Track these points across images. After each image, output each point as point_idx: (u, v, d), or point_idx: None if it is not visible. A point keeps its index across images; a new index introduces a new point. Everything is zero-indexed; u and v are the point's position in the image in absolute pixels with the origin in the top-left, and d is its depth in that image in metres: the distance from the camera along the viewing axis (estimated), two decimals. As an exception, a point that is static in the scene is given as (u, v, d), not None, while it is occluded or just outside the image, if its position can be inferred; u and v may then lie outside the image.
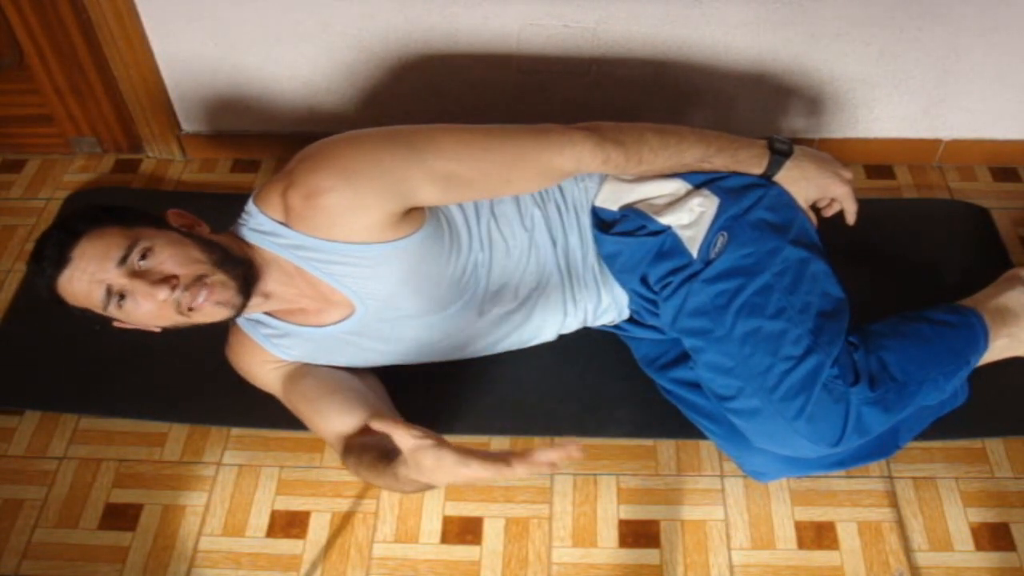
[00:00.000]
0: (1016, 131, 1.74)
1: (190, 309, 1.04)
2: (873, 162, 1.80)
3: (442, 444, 0.87)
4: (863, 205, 1.27)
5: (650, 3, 1.53)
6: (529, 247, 1.25)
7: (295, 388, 1.21)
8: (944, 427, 1.29)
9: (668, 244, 1.21)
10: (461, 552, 1.26)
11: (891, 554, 1.24)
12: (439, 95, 1.71)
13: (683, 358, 1.26)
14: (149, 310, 1.04)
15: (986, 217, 1.65)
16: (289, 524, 1.30)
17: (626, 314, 1.35)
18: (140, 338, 1.12)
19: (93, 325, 1.08)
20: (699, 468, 1.33)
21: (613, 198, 1.28)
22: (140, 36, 1.64)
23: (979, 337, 1.25)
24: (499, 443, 1.36)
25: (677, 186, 1.24)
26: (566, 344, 1.38)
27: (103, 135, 1.85)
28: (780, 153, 1.22)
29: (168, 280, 1.02)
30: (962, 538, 1.25)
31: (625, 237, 1.25)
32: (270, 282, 1.13)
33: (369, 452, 1.06)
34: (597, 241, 1.30)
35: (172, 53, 1.68)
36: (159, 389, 1.42)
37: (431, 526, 1.29)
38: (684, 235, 1.20)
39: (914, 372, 1.15)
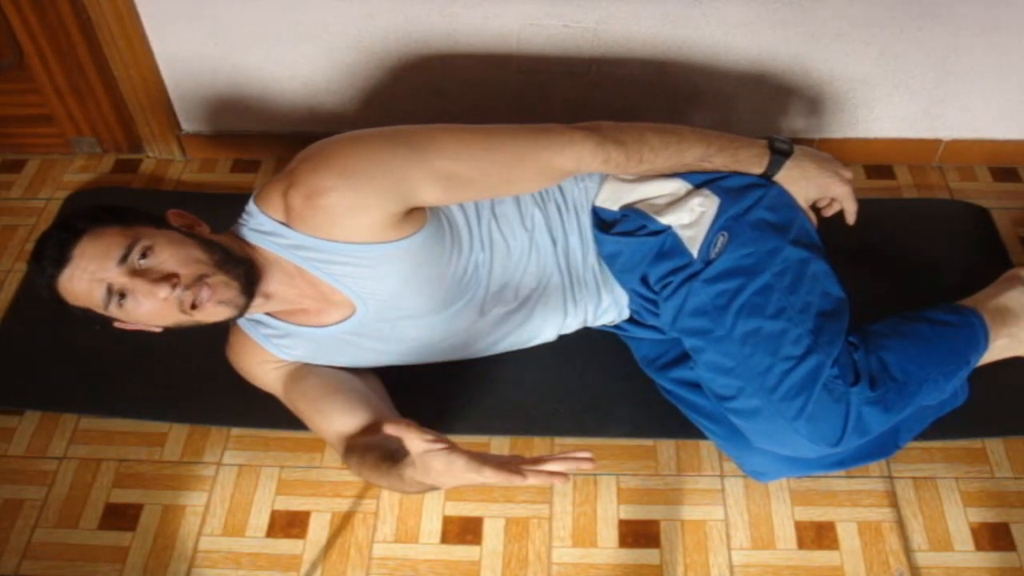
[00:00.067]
0: (1016, 131, 1.74)
1: (193, 307, 1.04)
2: (873, 162, 1.80)
3: (453, 449, 0.86)
4: (863, 205, 1.27)
5: (650, 3, 1.53)
6: (530, 247, 1.25)
7: (296, 388, 1.21)
8: (944, 427, 1.29)
9: (668, 244, 1.21)
10: (461, 552, 1.26)
11: (891, 554, 1.24)
12: (439, 95, 1.71)
13: (683, 358, 1.26)
14: (150, 309, 1.04)
15: (986, 217, 1.65)
16: (289, 524, 1.30)
17: (626, 314, 1.35)
18: (140, 338, 1.12)
19: (93, 325, 1.08)
20: (699, 468, 1.33)
21: (613, 198, 1.28)
22: (140, 36, 1.64)
23: (979, 337, 1.25)
24: (499, 443, 1.36)
25: (677, 186, 1.24)
26: (566, 344, 1.38)
27: (103, 135, 1.85)
28: (780, 153, 1.22)
29: (169, 278, 1.02)
30: (962, 538, 1.25)
31: (625, 237, 1.25)
32: (271, 282, 1.13)
33: (373, 452, 1.06)
34: (597, 241, 1.30)
35: (172, 53, 1.68)
36: (159, 389, 1.42)
37: (431, 526, 1.29)
38: (684, 235, 1.20)
39: (914, 372, 1.15)
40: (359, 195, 1.05)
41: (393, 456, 1.00)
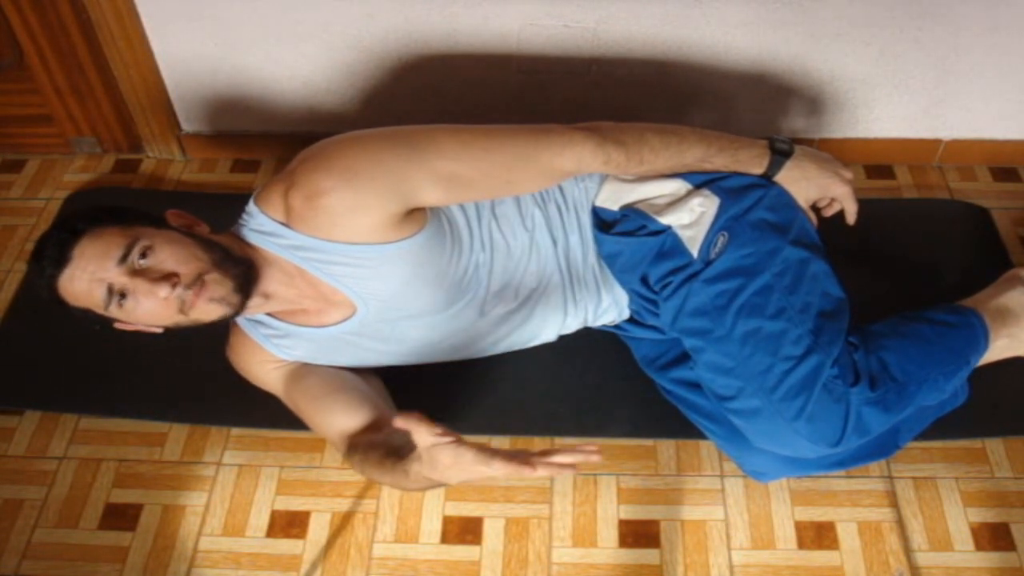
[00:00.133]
0: (1016, 131, 1.74)
1: (192, 302, 1.04)
2: (873, 162, 1.80)
3: (462, 442, 0.86)
4: (863, 205, 1.27)
5: (650, 3, 1.53)
6: (530, 247, 1.25)
7: (298, 386, 1.21)
8: (944, 427, 1.29)
9: (668, 244, 1.21)
10: (461, 552, 1.26)
11: (891, 554, 1.24)
12: (439, 95, 1.71)
13: (683, 358, 1.26)
14: (150, 309, 1.04)
15: (986, 217, 1.65)
16: (289, 524, 1.30)
17: (626, 314, 1.35)
18: (140, 338, 1.12)
19: (93, 325, 1.08)
20: (699, 468, 1.33)
21: (613, 198, 1.28)
22: (140, 36, 1.64)
23: (979, 337, 1.25)
24: (499, 443, 1.35)
25: (677, 186, 1.24)
26: (566, 344, 1.38)
27: (103, 135, 1.85)
28: (781, 153, 1.22)
29: (169, 278, 1.02)
30: (962, 538, 1.25)
31: (625, 237, 1.25)
32: (271, 283, 1.13)
33: (376, 449, 1.06)
34: (597, 241, 1.30)
35: (172, 53, 1.68)
36: (159, 389, 1.42)
37: (431, 526, 1.29)
38: (684, 235, 1.20)
39: (914, 372, 1.15)
40: (360, 195, 1.05)
41: (397, 453, 0.99)
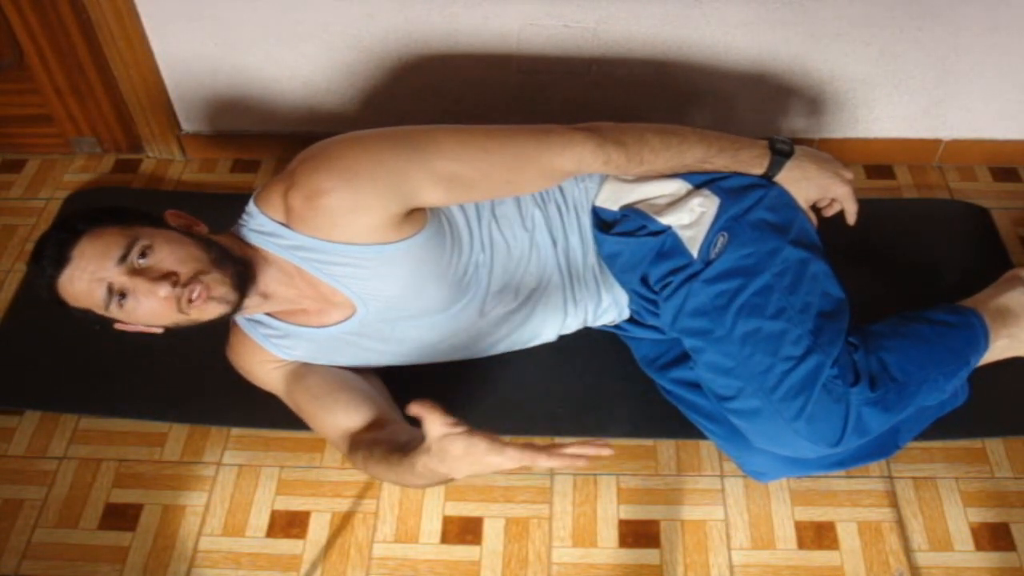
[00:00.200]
0: (1016, 131, 1.74)
1: (189, 301, 1.04)
2: (873, 162, 1.80)
3: (473, 432, 0.86)
4: (863, 205, 1.27)
5: (650, 3, 1.53)
6: (530, 247, 1.25)
7: (299, 386, 1.21)
8: (944, 427, 1.29)
9: (668, 244, 1.21)
10: (461, 552, 1.26)
11: (891, 554, 1.24)
12: (439, 95, 1.71)
13: (683, 358, 1.26)
14: (151, 308, 1.04)
15: (986, 217, 1.65)
16: (289, 524, 1.30)
17: (626, 314, 1.35)
18: (140, 338, 1.12)
19: (93, 325, 1.08)
20: (699, 468, 1.33)
21: (613, 198, 1.28)
22: (140, 36, 1.64)
23: (979, 337, 1.25)
24: (499, 443, 1.36)
25: (678, 186, 1.24)
26: (566, 344, 1.38)
27: (103, 135, 1.85)
28: (781, 153, 1.22)
29: (168, 277, 1.03)
30: (962, 538, 1.25)
31: (625, 237, 1.25)
32: (270, 283, 1.13)
33: (381, 445, 1.06)
34: (597, 241, 1.30)
35: (172, 53, 1.68)
36: (159, 389, 1.42)
37: (431, 526, 1.29)
38: (684, 235, 1.20)
39: (914, 372, 1.15)
40: (360, 196, 1.05)
41: (403, 449, 0.99)
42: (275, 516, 1.31)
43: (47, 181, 1.84)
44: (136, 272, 1.03)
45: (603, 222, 1.30)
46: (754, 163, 1.22)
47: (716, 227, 1.18)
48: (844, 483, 1.30)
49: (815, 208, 1.29)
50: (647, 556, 1.25)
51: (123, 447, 1.39)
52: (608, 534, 1.27)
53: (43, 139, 1.86)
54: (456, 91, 1.70)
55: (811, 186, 1.24)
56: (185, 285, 1.03)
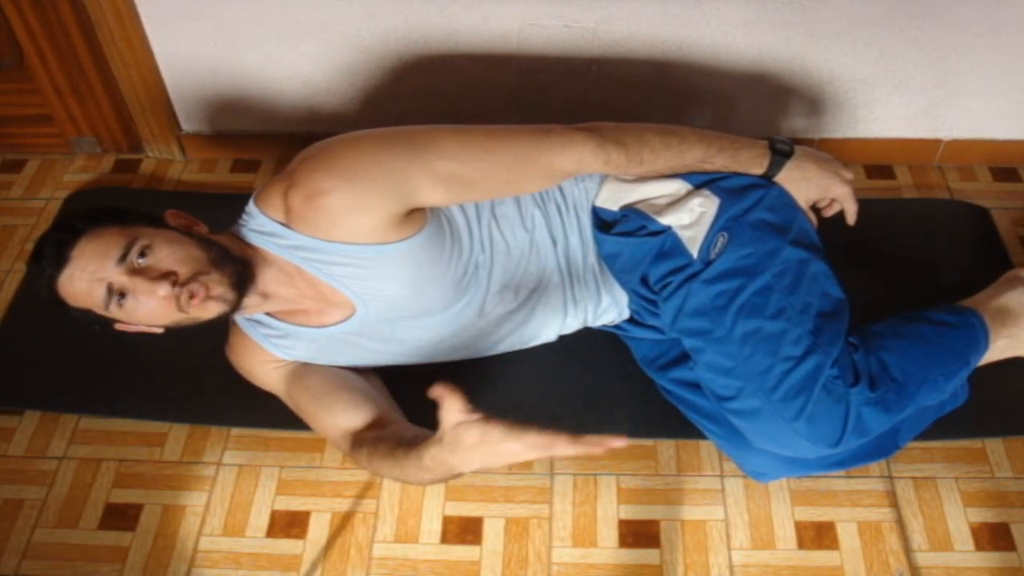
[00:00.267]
0: (1016, 131, 1.74)
1: (191, 297, 1.04)
2: (873, 162, 1.80)
3: (489, 419, 0.86)
4: (863, 205, 1.27)
5: (650, 3, 1.53)
6: (530, 247, 1.25)
7: (299, 385, 1.21)
8: (944, 427, 1.29)
9: (668, 244, 1.21)
10: (461, 552, 1.26)
11: (891, 554, 1.24)
12: (439, 95, 1.71)
13: (683, 358, 1.26)
14: (151, 308, 1.04)
15: (986, 217, 1.65)
16: (289, 524, 1.30)
17: (626, 314, 1.35)
18: (140, 338, 1.12)
19: (93, 325, 1.09)
20: (699, 468, 1.33)
21: (613, 198, 1.28)
22: (140, 36, 1.64)
23: (979, 338, 1.25)
24: (499, 443, 1.35)
25: (678, 186, 1.24)
26: (566, 344, 1.38)
27: (103, 135, 1.85)
28: (781, 153, 1.22)
29: (168, 276, 1.03)
30: (962, 538, 1.25)
31: (625, 237, 1.25)
32: (270, 282, 1.13)
33: (386, 442, 1.06)
34: (597, 241, 1.30)
35: (172, 53, 1.68)
36: (159, 389, 1.42)
37: (431, 526, 1.29)
38: (684, 235, 1.20)
39: (914, 372, 1.15)
40: (360, 196, 1.05)
41: (409, 443, 0.99)
42: (275, 516, 1.31)
43: (47, 181, 1.84)
44: (136, 272, 1.03)
45: (603, 222, 1.30)
46: (754, 163, 1.22)
47: (716, 227, 1.18)
48: (844, 483, 1.30)
49: (815, 208, 1.29)
50: (647, 556, 1.25)
51: (123, 447, 1.39)
52: (608, 534, 1.27)
53: (43, 139, 1.86)
54: (456, 91, 1.70)
55: (811, 186, 1.24)
56: (184, 285, 1.03)
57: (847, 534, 1.26)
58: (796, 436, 1.08)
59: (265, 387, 1.26)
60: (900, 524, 1.27)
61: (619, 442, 0.84)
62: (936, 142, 1.77)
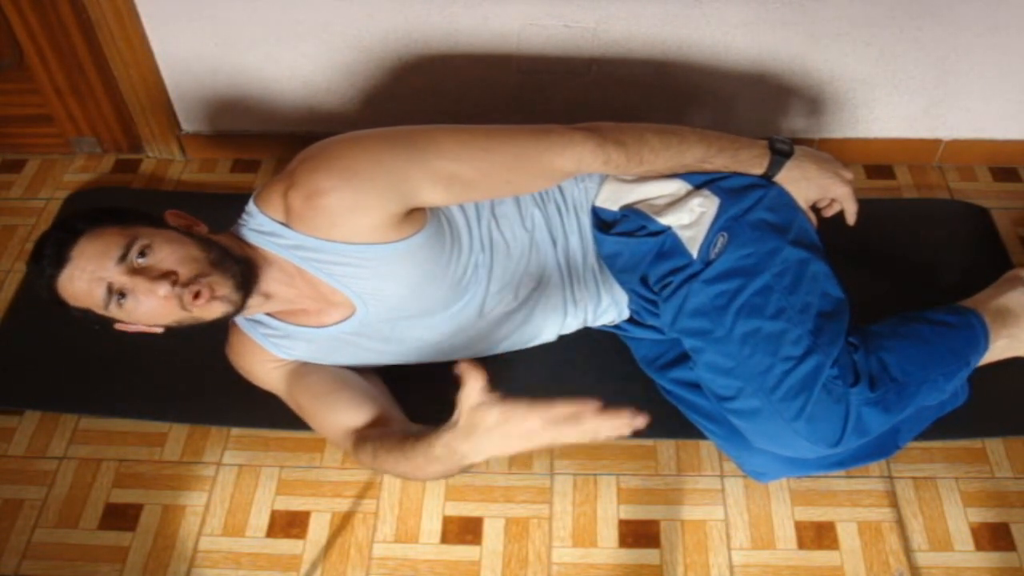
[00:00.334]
0: (1016, 131, 1.74)
1: (195, 297, 1.04)
2: (873, 162, 1.80)
3: (510, 399, 0.85)
4: (863, 205, 1.27)
5: (650, 3, 1.53)
6: (529, 247, 1.25)
7: (299, 385, 1.21)
8: (944, 427, 1.29)
9: (668, 244, 1.21)
10: (461, 552, 1.26)
11: (891, 554, 1.24)
12: (439, 95, 1.71)
13: (683, 358, 1.26)
14: (151, 307, 1.04)
15: (986, 217, 1.65)
16: (289, 524, 1.30)
17: (626, 314, 1.35)
18: (140, 338, 1.12)
19: (93, 325, 1.09)
20: (699, 468, 1.33)
21: (613, 198, 1.28)
22: (140, 36, 1.64)
23: (979, 338, 1.25)
24: (499, 443, 1.36)
25: (677, 186, 1.24)
26: (566, 344, 1.38)
27: (103, 135, 1.85)
28: (781, 153, 1.22)
29: (168, 276, 1.03)
30: (962, 538, 1.25)
31: (625, 237, 1.25)
32: (270, 282, 1.13)
33: (392, 436, 1.06)
34: (597, 241, 1.30)
35: (172, 53, 1.68)
36: (159, 389, 1.42)
37: (431, 526, 1.29)
38: (684, 235, 1.20)
39: (914, 373, 1.15)
40: (359, 195, 1.05)
41: (416, 436, 0.99)
42: (275, 516, 1.31)
43: (47, 181, 1.84)
44: (135, 271, 1.03)
45: (603, 222, 1.30)
46: (754, 163, 1.22)
47: (716, 227, 1.18)
48: (844, 483, 1.30)
49: (815, 208, 1.29)
50: (647, 556, 1.25)
51: (123, 447, 1.39)
52: (608, 534, 1.27)
53: (43, 139, 1.87)
54: (456, 91, 1.70)
55: (811, 186, 1.24)
56: (185, 285, 1.03)
57: (847, 534, 1.26)
58: (796, 436, 1.08)
59: (265, 387, 1.26)
60: (900, 524, 1.27)
61: (642, 421, 0.83)
62: (936, 142, 1.77)
